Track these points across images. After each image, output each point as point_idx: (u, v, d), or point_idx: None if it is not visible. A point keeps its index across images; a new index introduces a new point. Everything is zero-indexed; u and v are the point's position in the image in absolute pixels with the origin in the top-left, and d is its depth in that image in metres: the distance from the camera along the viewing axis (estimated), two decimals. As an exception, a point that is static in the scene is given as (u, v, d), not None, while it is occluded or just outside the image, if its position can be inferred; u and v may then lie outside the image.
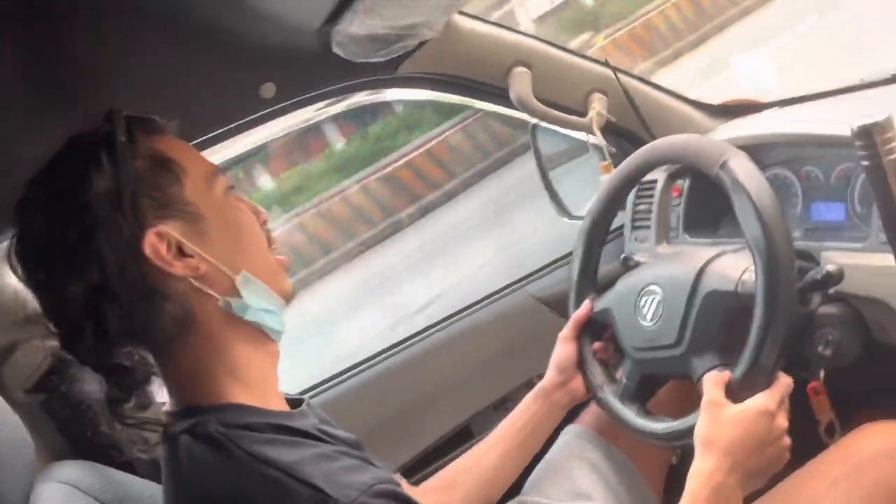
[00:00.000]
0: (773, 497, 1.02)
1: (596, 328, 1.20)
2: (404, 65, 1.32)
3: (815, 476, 1.01)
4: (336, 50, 1.14)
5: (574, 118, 1.46)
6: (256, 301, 0.83)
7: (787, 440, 0.91)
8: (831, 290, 1.02)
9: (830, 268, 0.96)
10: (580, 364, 1.17)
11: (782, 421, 0.90)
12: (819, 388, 1.07)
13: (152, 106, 0.90)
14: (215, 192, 0.85)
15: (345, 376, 1.43)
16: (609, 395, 1.13)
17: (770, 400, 0.90)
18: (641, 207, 1.52)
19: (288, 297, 0.89)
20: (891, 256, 0.99)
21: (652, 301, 1.08)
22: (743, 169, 0.95)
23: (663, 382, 1.25)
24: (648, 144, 1.14)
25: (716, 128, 1.56)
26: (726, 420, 0.90)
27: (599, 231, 1.23)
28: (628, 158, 1.17)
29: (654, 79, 1.62)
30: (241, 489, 0.73)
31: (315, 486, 0.72)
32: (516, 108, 1.42)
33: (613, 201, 1.22)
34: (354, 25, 1.03)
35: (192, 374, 0.82)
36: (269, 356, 0.88)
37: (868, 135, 0.76)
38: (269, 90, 1.19)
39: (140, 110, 0.86)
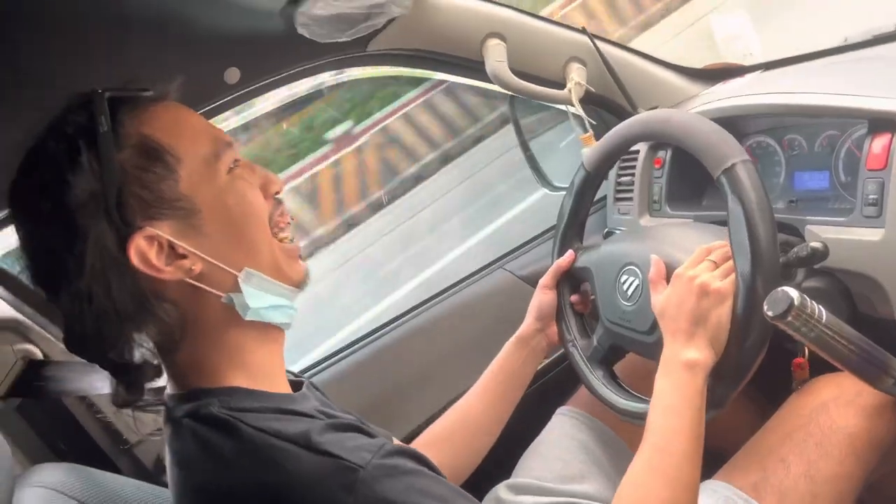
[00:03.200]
0: (738, 455, 1.06)
1: (575, 280, 1.19)
2: (374, 42, 1.27)
3: (773, 430, 1.05)
4: (301, 31, 1.09)
5: (552, 91, 1.41)
6: (260, 299, 0.78)
7: (714, 285, 0.90)
8: (816, 266, 1.00)
9: (815, 244, 0.94)
10: (557, 313, 1.18)
11: (699, 275, 0.91)
12: (804, 363, 1.07)
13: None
14: (217, 176, 0.77)
15: (331, 361, 1.41)
16: (579, 352, 1.14)
17: (683, 268, 0.94)
18: (624, 179, 1.49)
19: (300, 282, 0.84)
20: (875, 231, 0.98)
21: (632, 282, 1.06)
22: (747, 180, 0.90)
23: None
24: (659, 115, 1.08)
25: (699, 93, 1.52)
26: (660, 308, 0.95)
27: (591, 184, 1.20)
28: (632, 120, 1.11)
29: (633, 44, 1.58)
30: (254, 465, 0.70)
31: (329, 453, 0.69)
32: (492, 82, 1.38)
33: (607, 157, 1.16)
34: (318, 7, 0.99)
35: (195, 363, 0.79)
36: (276, 345, 0.84)
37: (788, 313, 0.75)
38: (233, 75, 1.14)
39: None
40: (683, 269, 0.94)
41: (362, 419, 0.87)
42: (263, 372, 0.81)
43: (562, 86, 1.45)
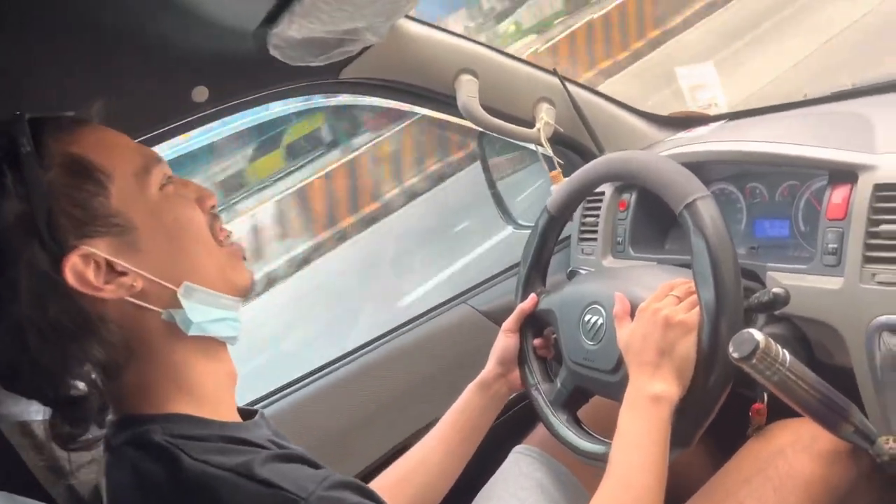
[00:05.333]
0: (695, 499, 1.05)
1: (539, 323, 1.18)
2: (347, 69, 1.26)
3: (731, 474, 1.04)
4: (273, 53, 1.08)
5: (521, 129, 1.42)
6: (201, 313, 0.76)
7: (678, 317, 0.91)
8: (776, 312, 1.01)
9: (777, 290, 0.95)
10: (520, 357, 1.16)
11: (663, 308, 0.92)
12: (762, 409, 1.07)
13: (75, 109, 0.81)
14: (149, 191, 0.76)
15: (280, 395, 1.37)
16: (542, 396, 1.12)
17: (646, 303, 0.95)
18: (589, 219, 1.50)
19: (245, 290, 0.81)
20: (834, 279, 0.99)
21: (595, 321, 1.06)
22: (708, 215, 0.92)
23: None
24: (621, 156, 1.10)
25: (663, 139, 1.55)
26: (625, 342, 0.96)
27: (554, 227, 1.20)
28: (595, 162, 1.12)
29: (602, 88, 1.61)
30: (190, 497, 0.68)
31: (270, 483, 0.67)
32: (463, 117, 1.39)
33: (571, 200, 1.18)
34: (292, 29, 0.98)
35: (138, 387, 0.75)
36: (221, 364, 0.81)
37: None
38: (201, 94, 1.12)
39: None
40: (647, 304, 0.95)
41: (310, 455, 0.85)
42: (210, 397, 0.78)
43: (531, 125, 1.46)
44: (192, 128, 1.20)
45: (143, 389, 0.75)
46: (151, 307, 0.74)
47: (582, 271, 1.45)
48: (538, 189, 1.68)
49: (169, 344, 0.75)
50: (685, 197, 0.94)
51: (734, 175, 1.32)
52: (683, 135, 1.53)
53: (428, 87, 1.36)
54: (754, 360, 0.75)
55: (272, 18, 1.00)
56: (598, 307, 1.07)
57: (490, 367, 1.15)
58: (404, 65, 1.32)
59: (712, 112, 1.52)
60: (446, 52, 1.35)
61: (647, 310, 0.94)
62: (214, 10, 0.99)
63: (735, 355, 0.76)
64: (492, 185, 1.88)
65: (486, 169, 1.87)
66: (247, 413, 0.84)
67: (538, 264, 1.22)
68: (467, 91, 1.35)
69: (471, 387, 1.14)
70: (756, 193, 1.29)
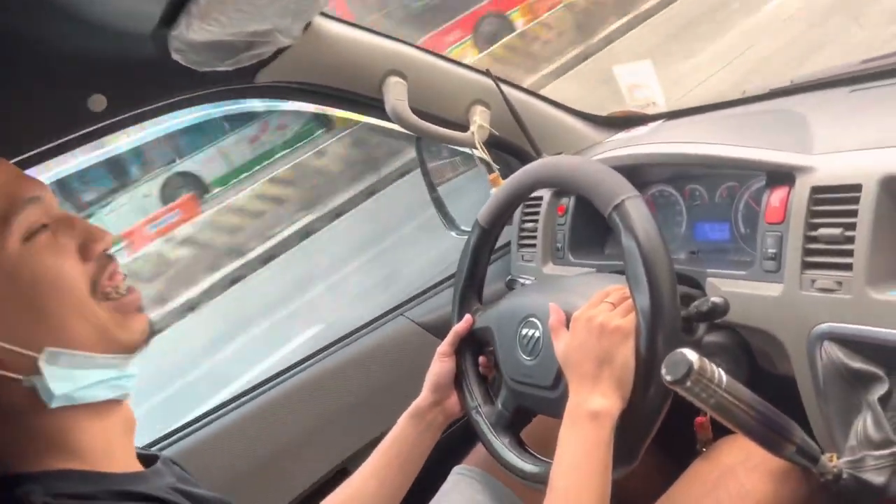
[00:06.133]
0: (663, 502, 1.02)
1: (477, 342, 1.12)
2: (263, 73, 1.18)
3: (682, 495, 1.02)
4: (175, 57, 0.99)
5: (455, 133, 1.36)
6: (71, 379, 0.67)
7: (613, 323, 0.86)
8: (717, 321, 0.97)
9: (716, 299, 0.91)
10: (458, 381, 1.10)
11: (598, 315, 0.88)
12: (706, 423, 1.03)
13: None
14: (7, 245, 0.67)
15: (206, 420, 1.28)
16: (483, 419, 1.07)
17: (580, 312, 0.91)
18: (528, 225, 1.45)
19: (133, 346, 0.73)
20: (774, 286, 0.95)
21: (532, 335, 1.00)
22: (637, 215, 0.88)
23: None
24: (549, 162, 1.05)
25: (602, 140, 1.51)
26: (562, 354, 0.91)
27: (487, 241, 1.15)
28: (524, 170, 1.07)
29: (543, 90, 1.55)
30: None
31: None
32: (392, 121, 1.32)
33: (502, 212, 1.13)
34: (191, 31, 0.89)
35: (9, 450, 0.68)
36: (113, 418, 0.73)
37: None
38: (98, 103, 1.03)
39: None
40: (581, 312, 0.91)
41: (227, 501, 0.77)
42: (98, 451, 0.70)
43: (466, 128, 1.40)
44: (94, 138, 1.10)
45: (16, 452, 0.67)
46: (11, 375, 0.65)
47: (521, 280, 1.40)
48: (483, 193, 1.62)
49: (38, 410, 0.67)
50: (613, 198, 0.90)
51: (673, 177, 1.27)
52: (622, 135, 1.48)
53: (353, 90, 1.28)
54: (689, 384, 0.70)
55: (168, 20, 0.91)
56: (535, 320, 1.02)
57: (424, 395, 1.09)
58: (326, 67, 1.24)
59: (651, 111, 1.48)
60: (373, 54, 1.28)
61: (581, 318, 0.90)
62: (103, 12, 0.90)
63: (668, 378, 0.71)
64: (432, 189, 1.82)
65: (425, 173, 1.81)
66: (147, 459, 0.76)
67: (472, 281, 1.16)
68: (395, 94, 1.28)
69: (404, 416, 1.08)
70: (695, 195, 1.25)
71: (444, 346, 1.11)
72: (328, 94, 1.29)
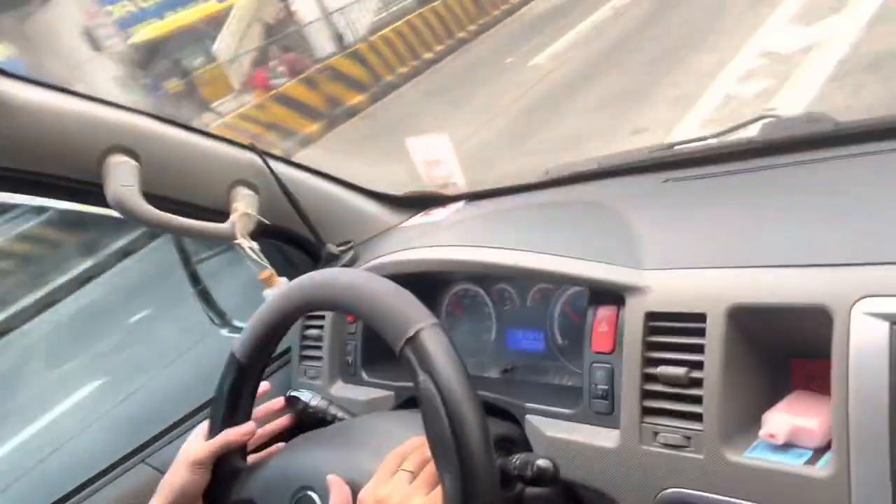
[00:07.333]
0: None
1: None
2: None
3: None
4: None
5: (209, 225, 1.05)
6: None
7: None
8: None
9: (543, 463, 0.73)
10: None
11: (391, 497, 0.69)
12: None
13: None
14: None
15: None
16: None
17: (367, 490, 0.71)
18: (311, 332, 1.18)
19: None
20: (609, 432, 0.76)
21: None
22: (438, 348, 0.67)
23: None
24: (325, 276, 0.80)
25: (397, 224, 1.28)
26: None
27: (248, 378, 0.88)
28: (285, 293, 0.82)
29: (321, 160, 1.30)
30: None
31: None
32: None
33: (263, 345, 0.86)
34: None
35: None
36: None
37: None
38: None
39: None
40: (368, 492, 0.71)
41: None
42: None
43: (226, 216, 1.10)
44: None
45: None
46: None
47: (303, 398, 1.11)
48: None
49: None
50: (406, 330, 0.69)
51: (479, 276, 1.08)
52: (420, 219, 1.27)
53: (58, 173, 0.95)
54: None
55: None
56: (311, 495, 0.76)
57: None
58: (15, 144, 0.90)
59: (450, 191, 1.29)
60: (86, 126, 0.95)
61: (369, 500, 0.69)
62: None
63: None
64: (195, 282, 1.50)
65: (186, 262, 1.49)
66: None
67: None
68: (119, 178, 0.95)
69: None
70: (505, 297, 1.06)
71: (203, 451, 0.87)
72: (22, 181, 0.93)
